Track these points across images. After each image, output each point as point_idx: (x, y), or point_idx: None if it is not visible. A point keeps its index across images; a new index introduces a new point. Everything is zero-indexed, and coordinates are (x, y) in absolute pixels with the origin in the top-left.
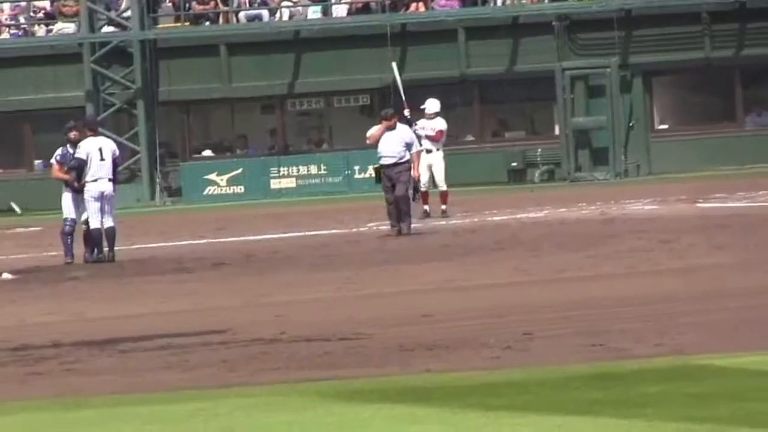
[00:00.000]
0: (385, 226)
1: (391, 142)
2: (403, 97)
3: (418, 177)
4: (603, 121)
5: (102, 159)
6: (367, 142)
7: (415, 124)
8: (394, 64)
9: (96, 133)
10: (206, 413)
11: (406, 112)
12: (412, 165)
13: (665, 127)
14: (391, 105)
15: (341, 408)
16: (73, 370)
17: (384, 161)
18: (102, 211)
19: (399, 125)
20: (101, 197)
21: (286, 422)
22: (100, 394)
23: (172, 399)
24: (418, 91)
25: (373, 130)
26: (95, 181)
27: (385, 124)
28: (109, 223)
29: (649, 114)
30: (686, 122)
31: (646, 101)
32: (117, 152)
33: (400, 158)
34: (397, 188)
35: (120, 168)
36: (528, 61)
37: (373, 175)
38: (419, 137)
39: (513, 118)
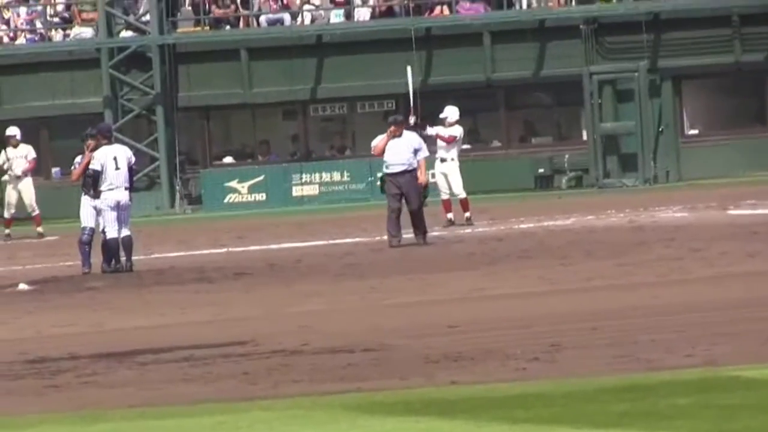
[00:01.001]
0: (407, 234)
1: (398, 150)
2: (411, 104)
3: (426, 183)
4: (631, 127)
5: (117, 168)
6: (372, 153)
7: (429, 127)
8: (408, 69)
9: (110, 141)
10: (227, 426)
11: (411, 120)
12: (418, 171)
13: (695, 132)
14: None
15: (365, 421)
16: (91, 383)
17: (392, 170)
18: (119, 220)
19: (405, 132)
20: (117, 206)
21: None
22: (119, 407)
23: (192, 412)
24: (442, 96)
25: (377, 141)
26: (111, 190)
27: (390, 131)
28: (125, 232)
29: (679, 119)
30: (716, 127)
31: (676, 106)
32: (133, 160)
33: (409, 165)
34: (412, 202)
35: (137, 176)
36: (555, 66)
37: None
38: (431, 139)
39: (540, 123)
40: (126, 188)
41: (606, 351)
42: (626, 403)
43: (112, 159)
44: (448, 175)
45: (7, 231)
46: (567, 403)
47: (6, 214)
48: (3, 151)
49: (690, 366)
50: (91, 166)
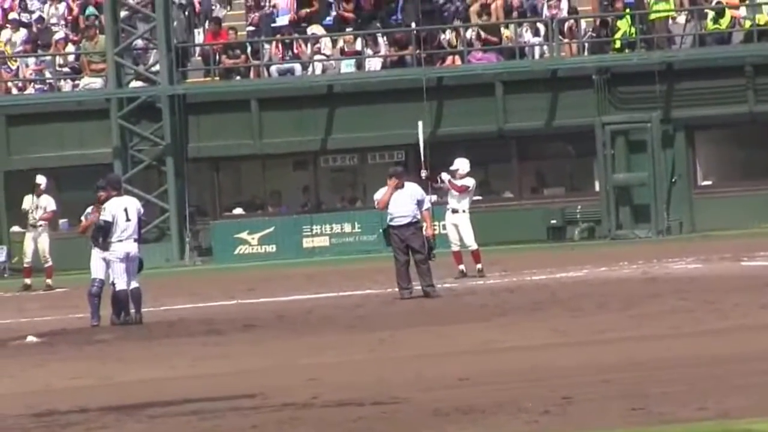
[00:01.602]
0: (418, 286)
1: (402, 202)
2: (422, 158)
3: (433, 235)
4: (644, 177)
5: (128, 219)
6: (377, 207)
7: (440, 180)
8: (420, 124)
9: (120, 193)
10: None
11: (423, 174)
12: (424, 225)
13: (709, 183)
14: (410, 164)
15: None
16: None
17: (396, 222)
18: (128, 272)
19: (407, 183)
20: (126, 258)
21: None
22: None
23: None
24: (454, 147)
25: (380, 194)
26: (120, 241)
27: (392, 183)
28: (134, 284)
29: (692, 169)
30: (730, 178)
31: (689, 156)
32: (142, 211)
33: (413, 217)
34: (417, 254)
35: (146, 228)
36: (567, 116)
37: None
38: (443, 191)
39: (552, 174)
40: (135, 240)
41: (618, 404)
42: None
43: (123, 210)
44: (459, 227)
45: (27, 281)
46: None
47: (25, 264)
48: (30, 198)
49: (703, 419)
50: (102, 218)
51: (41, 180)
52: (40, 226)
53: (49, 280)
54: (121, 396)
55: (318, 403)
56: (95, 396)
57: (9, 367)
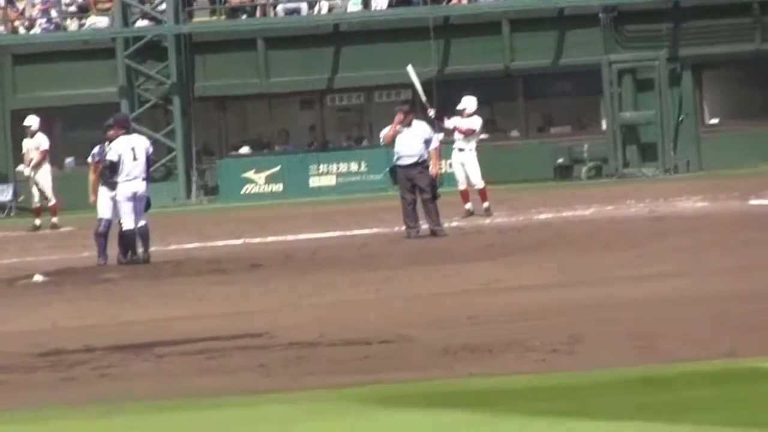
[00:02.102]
0: (424, 225)
1: (409, 141)
2: (424, 99)
3: (437, 174)
4: (651, 116)
5: (135, 158)
6: (381, 143)
7: (446, 120)
8: (409, 67)
9: (128, 132)
10: (243, 419)
11: (431, 113)
12: (430, 163)
13: (716, 121)
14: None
15: (382, 414)
16: (107, 376)
17: (402, 162)
18: (135, 211)
19: (415, 122)
20: (134, 197)
21: (325, 429)
22: (135, 400)
23: (208, 405)
24: (460, 85)
25: (386, 130)
26: (128, 181)
27: (397, 118)
28: (141, 222)
29: (699, 108)
30: (737, 116)
31: (696, 95)
32: (151, 150)
33: (420, 157)
34: (424, 194)
35: (154, 167)
36: (574, 54)
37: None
38: (450, 131)
39: (559, 113)
40: (143, 179)
41: (625, 342)
42: (646, 395)
43: (130, 150)
44: (465, 165)
45: (36, 221)
46: (586, 395)
47: (34, 204)
48: (26, 141)
49: (710, 357)
50: (108, 157)
51: (30, 121)
52: (38, 165)
53: (54, 219)
54: (128, 335)
55: (324, 341)
56: (101, 335)
57: (15, 307)
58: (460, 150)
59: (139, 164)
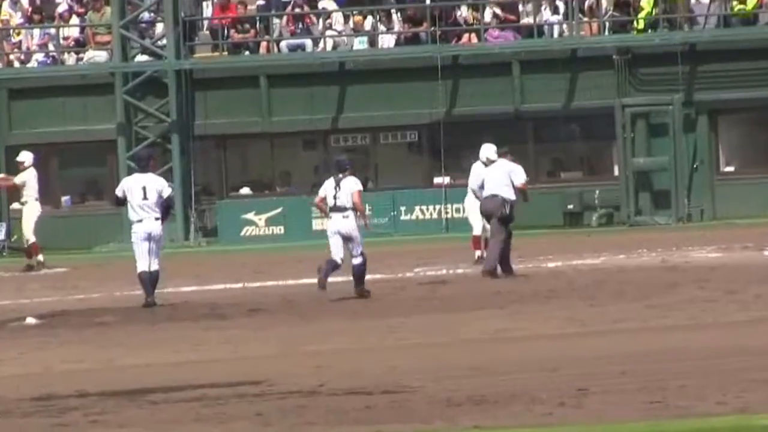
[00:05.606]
0: (431, 271)
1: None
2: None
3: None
4: (665, 162)
5: (145, 197)
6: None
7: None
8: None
9: (145, 170)
10: None
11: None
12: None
13: (731, 169)
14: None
15: None
16: (100, 422)
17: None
18: (150, 252)
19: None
20: (149, 238)
21: None
22: None
23: None
24: (469, 128)
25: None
26: (141, 221)
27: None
28: (155, 266)
29: (714, 155)
30: (754, 164)
31: (711, 141)
32: (165, 190)
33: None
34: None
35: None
36: (586, 97)
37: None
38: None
39: (570, 157)
40: (156, 218)
41: (635, 396)
42: None
43: (140, 188)
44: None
45: (29, 262)
46: None
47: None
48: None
49: (722, 413)
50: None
51: (23, 157)
52: (24, 202)
53: (39, 257)
54: (122, 380)
55: (325, 390)
56: (95, 380)
57: (8, 350)
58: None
59: (149, 203)
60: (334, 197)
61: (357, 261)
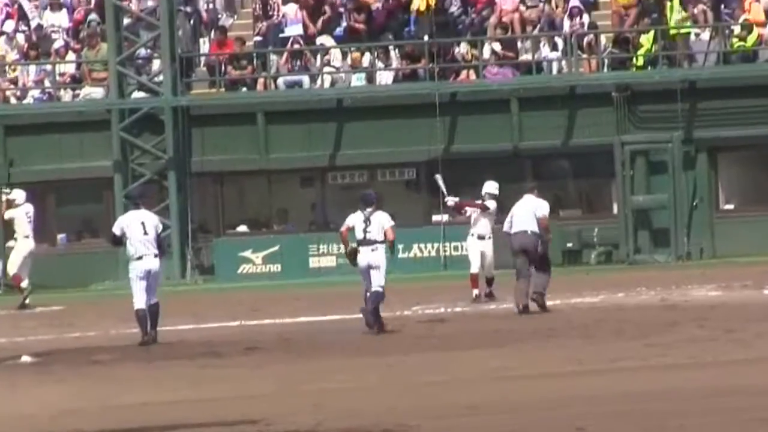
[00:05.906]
0: (429, 309)
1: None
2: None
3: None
4: (664, 200)
5: (145, 233)
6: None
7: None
8: (438, 177)
9: (137, 207)
10: None
11: (450, 202)
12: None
13: (731, 207)
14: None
15: None
16: None
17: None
18: (148, 289)
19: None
20: (148, 275)
21: None
22: None
23: None
24: (467, 165)
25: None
26: (140, 258)
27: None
28: (153, 299)
29: (714, 192)
30: (753, 202)
31: (711, 179)
32: (160, 227)
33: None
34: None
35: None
36: (585, 134)
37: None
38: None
39: (568, 195)
40: (155, 255)
41: None
42: None
43: (139, 224)
44: (486, 253)
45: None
46: None
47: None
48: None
49: None
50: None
51: (15, 195)
52: (15, 239)
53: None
54: (118, 420)
55: (322, 429)
56: (91, 419)
57: (2, 389)
58: (480, 237)
59: (148, 239)
60: (364, 231)
61: (377, 289)
